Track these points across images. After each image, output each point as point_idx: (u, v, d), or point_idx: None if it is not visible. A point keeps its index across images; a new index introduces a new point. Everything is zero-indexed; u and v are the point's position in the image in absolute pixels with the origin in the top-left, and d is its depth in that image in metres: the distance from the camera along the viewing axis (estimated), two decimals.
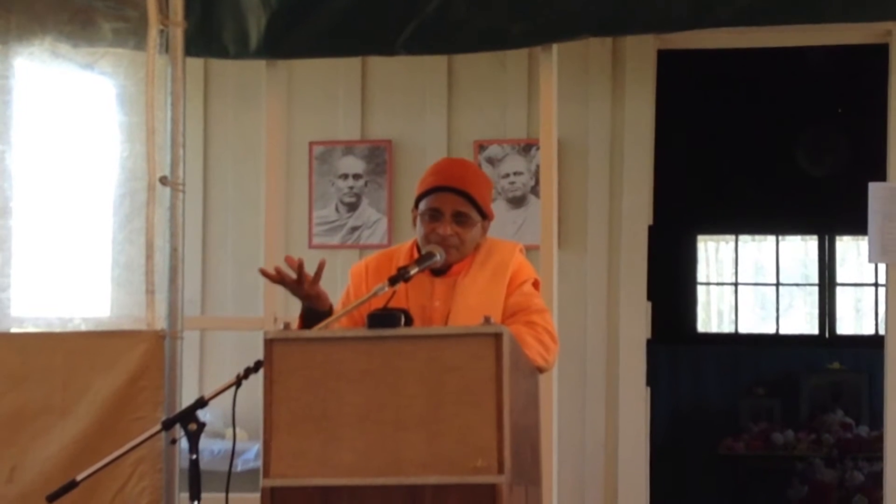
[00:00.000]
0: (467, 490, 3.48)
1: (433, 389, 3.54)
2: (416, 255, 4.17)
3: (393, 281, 3.93)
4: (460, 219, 4.18)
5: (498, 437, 3.49)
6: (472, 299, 4.15)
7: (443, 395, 3.53)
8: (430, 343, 3.59)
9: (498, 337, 3.55)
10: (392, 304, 3.93)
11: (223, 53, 6.18)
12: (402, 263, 4.12)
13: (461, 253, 4.21)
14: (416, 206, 4.23)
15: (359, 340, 3.62)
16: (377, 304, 3.94)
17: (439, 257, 4.10)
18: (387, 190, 7.45)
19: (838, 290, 12.68)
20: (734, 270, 12.78)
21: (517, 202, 7.26)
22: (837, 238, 12.61)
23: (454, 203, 4.18)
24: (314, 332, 3.77)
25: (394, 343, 3.60)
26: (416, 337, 3.63)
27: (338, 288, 5.07)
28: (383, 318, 3.67)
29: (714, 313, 12.98)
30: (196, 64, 7.08)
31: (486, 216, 4.26)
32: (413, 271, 3.98)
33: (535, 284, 4.31)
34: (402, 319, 3.68)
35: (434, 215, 4.18)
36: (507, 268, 4.23)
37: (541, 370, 4.13)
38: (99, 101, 6.16)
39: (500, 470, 3.48)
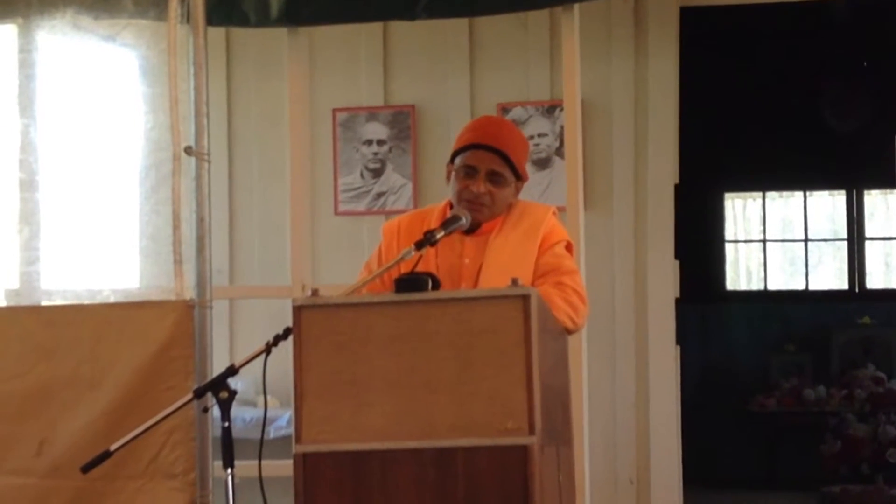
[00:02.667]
0: (498, 452, 3.48)
1: (462, 352, 3.53)
2: (447, 216, 4.16)
3: (419, 245, 3.93)
4: (494, 178, 4.18)
5: (528, 398, 3.49)
6: (504, 257, 4.15)
7: (472, 357, 3.53)
8: (458, 306, 3.58)
9: (526, 298, 3.54)
10: (421, 263, 3.93)
11: (244, 22, 6.16)
12: (434, 224, 4.12)
13: (492, 212, 4.20)
14: (452, 160, 4.23)
15: (387, 305, 3.62)
16: (405, 267, 3.94)
17: (465, 221, 4.09)
18: (411, 155, 7.44)
19: (867, 244, 12.62)
20: (762, 227, 12.74)
21: (542, 164, 7.24)
22: (865, 192, 12.55)
23: (490, 161, 4.17)
24: (342, 297, 3.77)
25: (422, 307, 3.59)
26: (444, 300, 3.62)
27: (364, 253, 5.09)
28: (411, 282, 3.67)
29: (743, 271, 12.94)
30: (217, 33, 7.09)
31: (520, 177, 4.25)
32: (439, 235, 3.99)
33: (568, 247, 4.30)
34: (430, 283, 3.68)
35: (469, 172, 4.18)
36: (539, 229, 4.23)
37: (569, 332, 4.13)
38: (122, 73, 6.16)
39: (531, 431, 3.48)
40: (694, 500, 7.79)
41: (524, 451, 3.47)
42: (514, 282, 3.59)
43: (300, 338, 3.63)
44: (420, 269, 3.89)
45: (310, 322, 3.63)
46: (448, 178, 4.23)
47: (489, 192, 4.17)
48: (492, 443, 3.48)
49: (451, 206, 4.23)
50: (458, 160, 4.20)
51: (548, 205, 4.44)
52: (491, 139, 4.18)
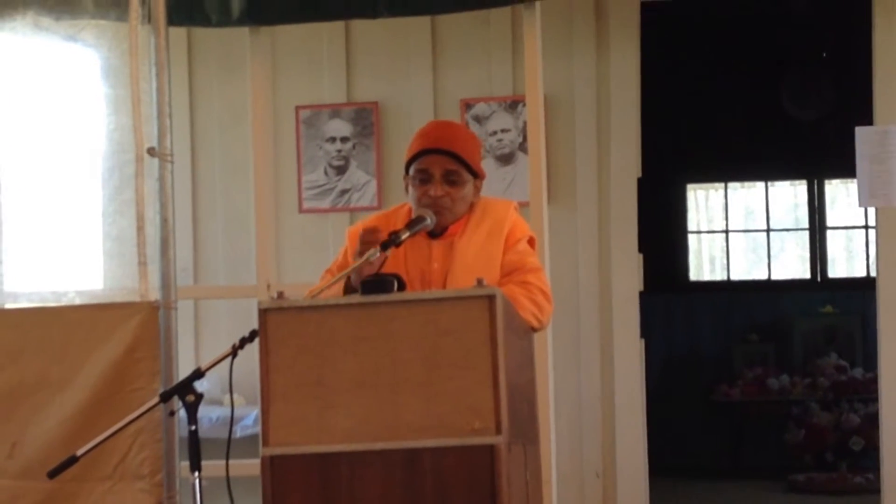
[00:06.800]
0: (465, 452, 3.50)
1: (428, 353, 3.55)
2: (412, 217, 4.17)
3: (384, 246, 3.94)
4: (451, 178, 4.19)
5: (494, 398, 3.51)
6: (470, 259, 4.16)
7: (438, 358, 3.55)
8: (424, 307, 3.60)
9: (491, 299, 3.56)
10: (390, 269, 3.94)
11: (206, 22, 6.16)
12: (399, 226, 4.13)
13: (454, 214, 4.21)
14: (407, 171, 4.24)
15: (353, 307, 3.63)
16: (371, 269, 3.94)
17: (430, 221, 4.11)
18: (375, 152, 7.44)
19: (829, 233, 12.70)
20: (724, 218, 12.80)
21: (505, 159, 7.26)
22: (826, 182, 12.62)
23: (443, 163, 4.18)
24: (308, 300, 3.78)
25: (388, 308, 3.61)
26: (410, 302, 3.63)
27: (330, 253, 5.09)
28: (377, 284, 3.68)
29: (706, 261, 13.00)
30: (179, 33, 7.07)
31: (477, 175, 4.26)
32: (404, 236, 3.99)
33: (531, 242, 4.31)
34: (396, 285, 3.69)
35: (424, 178, 4.19)
36: (502, 226, 4.24)
37: (534, 330, 4.15)
38: (83, 74, 6.15)
39: (498, 430, 3.50)
40: (660, 490, 7.83)
41: (491, 450, 3.49)
42: (480, 282, 3.61)
43: (266, 341, 3.64)
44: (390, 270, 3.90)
45: (276, 325, 3.64)
46: (406, 189, 4.25)
47: (448, 193, 4.18)
48: (459, 443, 3.50)
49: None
50: (412, 168, 4.22)
51: (508, 199, 4.46)
52: (440, 142, 4.20)
